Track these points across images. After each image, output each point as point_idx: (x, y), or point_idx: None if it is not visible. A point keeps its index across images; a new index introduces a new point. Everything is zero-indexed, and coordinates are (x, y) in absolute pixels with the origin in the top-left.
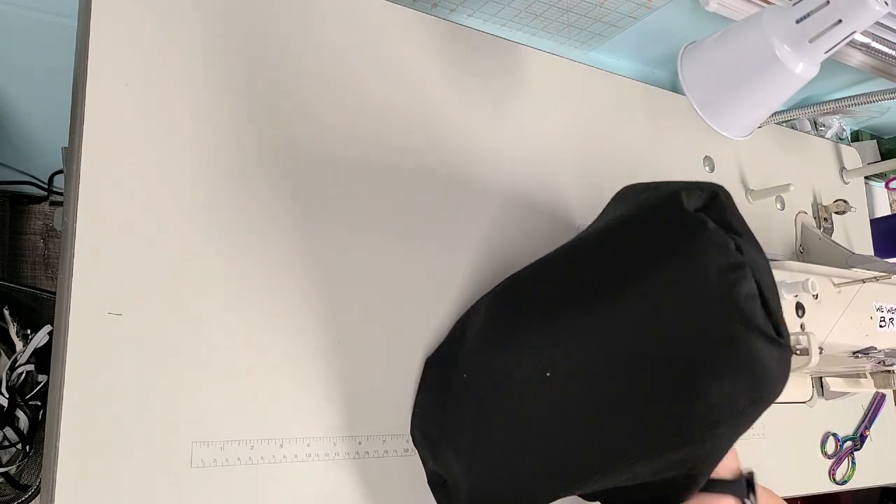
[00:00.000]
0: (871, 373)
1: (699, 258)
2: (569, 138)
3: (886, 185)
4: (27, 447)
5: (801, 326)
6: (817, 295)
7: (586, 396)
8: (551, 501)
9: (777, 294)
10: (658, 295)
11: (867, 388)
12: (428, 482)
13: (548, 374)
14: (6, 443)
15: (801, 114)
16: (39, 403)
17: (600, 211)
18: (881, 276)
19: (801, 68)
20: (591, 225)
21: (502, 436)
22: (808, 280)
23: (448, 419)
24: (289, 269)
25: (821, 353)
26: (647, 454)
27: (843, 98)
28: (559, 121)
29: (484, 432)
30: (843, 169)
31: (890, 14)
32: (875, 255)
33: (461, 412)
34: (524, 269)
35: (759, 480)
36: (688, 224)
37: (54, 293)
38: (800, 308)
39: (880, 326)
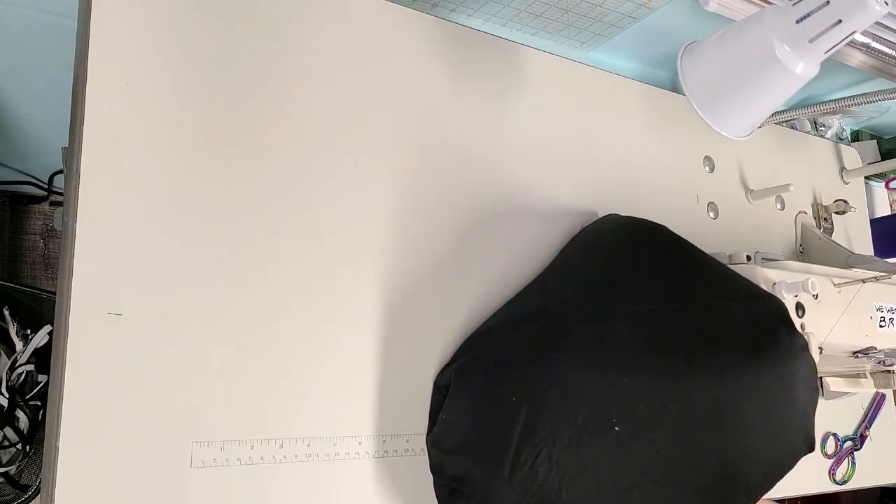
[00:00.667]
0: (871, 373)
1: (797, 376)
2: (569, 138)
3: (886, 185)
4: (27, 447)
5: (801, 326)
6: (817, 295)
7: (644, 459)
8: None
9: None
10: (752, 391)
11: (867, 388)
12: (435, 487)
13: (616, 428)
14: (6, 443)
15: (801, 114)
16: (39, 403)
17: (601, 214)
18: (881, 276)
19: (801, 68)
20: (607, 247)
21: (546, 469)
22: (808, 280)
23: (483, 435)
24: (289, 269)
25: (821, 353)
26: None
27: (843, 98)
28: (559, 121)
29: (527, 461)
30: (843, 169)
31: (890, 14)
32: (875, 255)
33: (501, 432)
34: (585, 299)
35: None
36: (797, 345)
37: (54, 293)
38: (800, 308)
39: (880, 326)
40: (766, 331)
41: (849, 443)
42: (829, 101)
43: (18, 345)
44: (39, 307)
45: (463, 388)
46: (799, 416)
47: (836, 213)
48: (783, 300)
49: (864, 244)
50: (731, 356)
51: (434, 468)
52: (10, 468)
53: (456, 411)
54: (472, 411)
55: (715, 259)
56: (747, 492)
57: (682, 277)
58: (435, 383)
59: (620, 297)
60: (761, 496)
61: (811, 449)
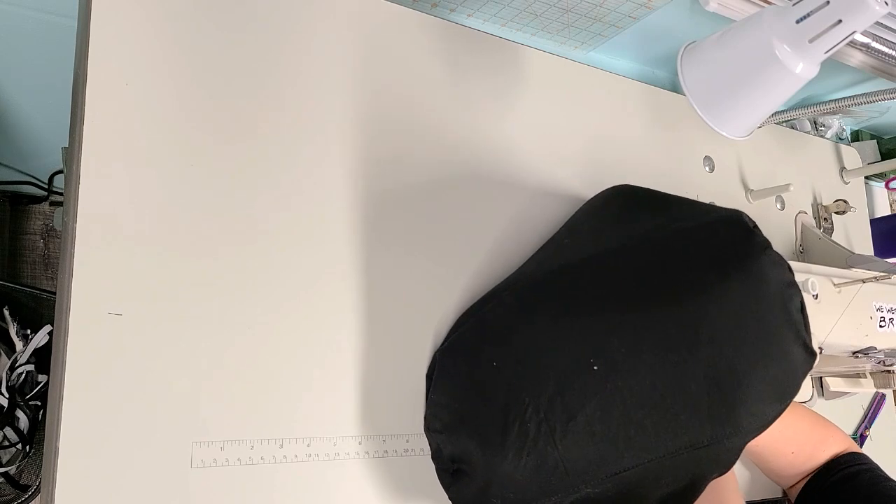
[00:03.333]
0: (871, 373)
1: (763, 274)
2: (569, 138)
3: (886, 185)
4: (27, 447)
5: None
6: (817, 295)
7: (629, 392)
8: (571, 496)
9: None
10: (721, 301)
11: (867, 388)
12: (438, 475)
13: (595, 367)
14: (6, 443)
15: (801, 114)
16: (39, 403)
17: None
18: (881, 276)
19: (801, 68)
20: (580, 219)
21: (535, 424)
22: (808, 280)
23: (470, 407)
24: (289, 268)
25: (821, 352)
26: (676, 451)
27: (843, 98)
28: (559, 121)
29: (515, 421)
30: (843, 169)
31: (890, 14)
32: (875, 255)
33: (489, 400)
34: (555, 260)
35: (761, 480)
36: (756, 244)
37: (54, 293)
38: None
39: (880, 326)
40: (724, 240)
41: None
42: (829, 101)
43: (18, 345)
44: (39, 307)
45: (447, 367)
46: (778, 315)
47: (836, 213)
48: None
49: (864, 244)
50: (694, 272)
51: (434, 455)
52: (10, 468)
53: (443, 390)
54: (458, 386)
55: (679, 196)
56: (748, 407)
57: (642, 217)
58: (426, 374)
59: (584, 248)
60: (772, 417)
61: (809, 352)
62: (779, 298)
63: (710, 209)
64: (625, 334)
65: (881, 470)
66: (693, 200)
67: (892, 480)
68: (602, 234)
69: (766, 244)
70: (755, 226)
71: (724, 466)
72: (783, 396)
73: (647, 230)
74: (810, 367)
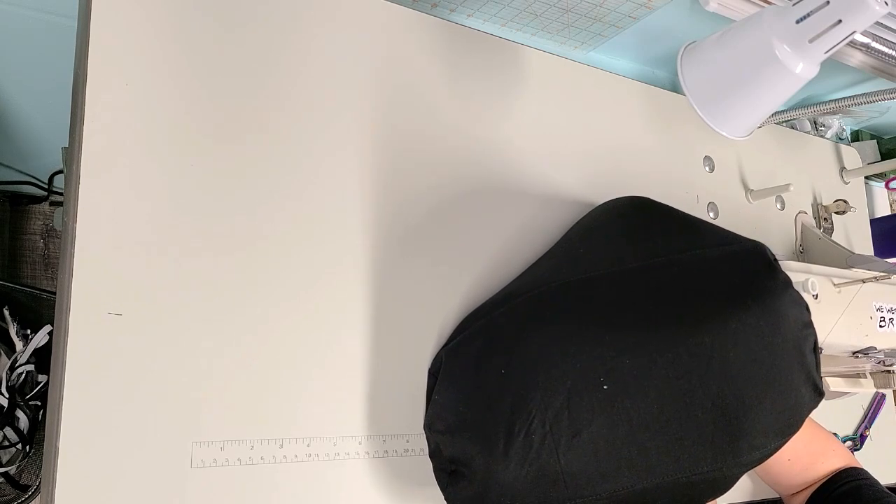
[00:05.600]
0: (871, 373)
1: (783, 312)
2: (569, 138)
3: (886, 185)
4: (27, 447)
5: None
6: (817, 295)
7: (636, 414)
8: None
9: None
10: (737, 334)
11: (867, 388)
12: (435, 472)
13: (605, 387)
14: (6, 443)
15: (801, 114)
16: (39, 403)
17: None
18: (881, 276)
19: (801, 68)
20: (594, 227)
21: (540, 436)
22: (808, 280)
23: (475, 411)
24: (289, 268)
25: (821, 352)
26: (676, 475)
27: (843, 98)
28: (559, 121)
29: (521, 430)
30: (843, 169)
31: (890, 14)
32: (875, 255)
33: (493, 406)
34: (570, 271)
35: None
36: (778, 282)
37: (54, 293)
38: None
39: (880, 326)
40: (745, 272)
41: (849, 443)
42: (829, 101)
43: (18, 345)
44: (39, 307)
45: (454, 368)
46: (792, 353)
47: (836, 213)
48: None
49: (864, 244)
50: (713, 301)
51: (432, 453)
52: (10, 468)
53: (448, 391)
54: (464, 389)
55: (698, 217)
56: (750, 440)
57: (662, 237)
58: (429, 370)
59: (600, 262)
60: (772, 450)
61: (818, 392)
62: (794, 337)
63: (732, 238)
64: (637, 356)
65: (881, 485)
66: (713, 224)
67: (893, 496)
68: (620, 249)
69: (789, 282)
70: (776, 259)
71: (719, 492)
72: (785, 432)
73: (668, 252)
74: (815, 406)
